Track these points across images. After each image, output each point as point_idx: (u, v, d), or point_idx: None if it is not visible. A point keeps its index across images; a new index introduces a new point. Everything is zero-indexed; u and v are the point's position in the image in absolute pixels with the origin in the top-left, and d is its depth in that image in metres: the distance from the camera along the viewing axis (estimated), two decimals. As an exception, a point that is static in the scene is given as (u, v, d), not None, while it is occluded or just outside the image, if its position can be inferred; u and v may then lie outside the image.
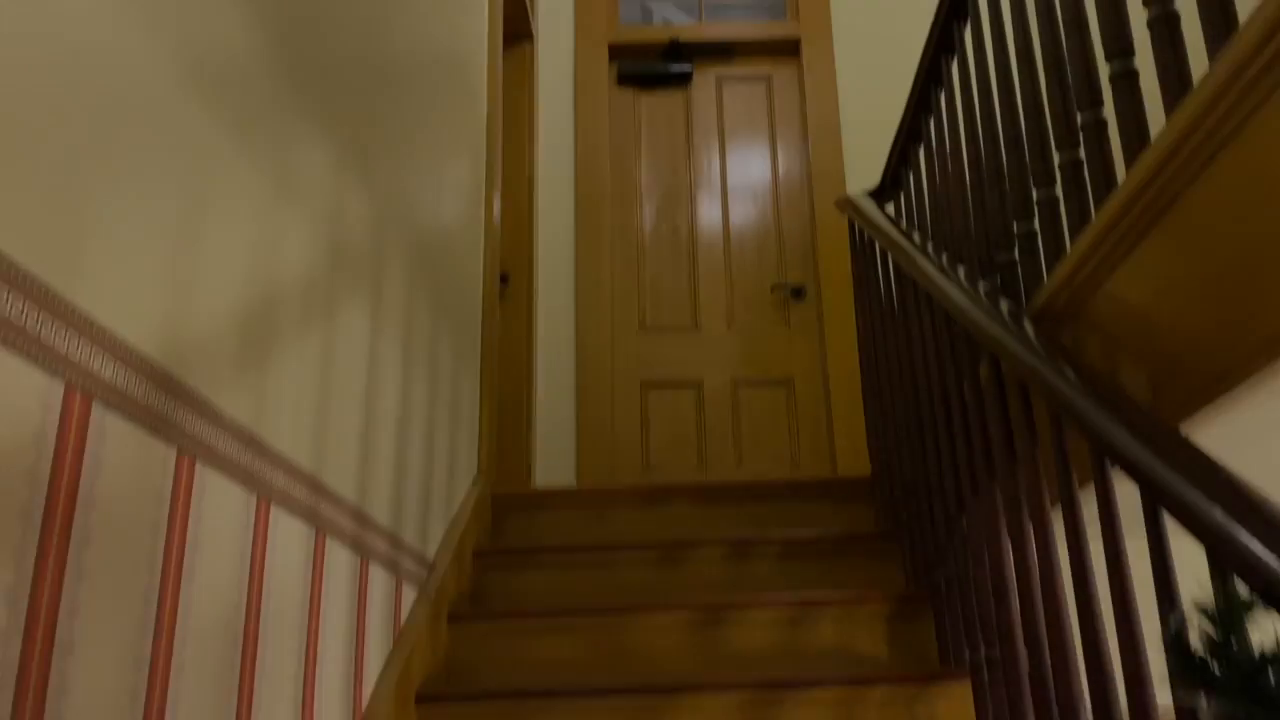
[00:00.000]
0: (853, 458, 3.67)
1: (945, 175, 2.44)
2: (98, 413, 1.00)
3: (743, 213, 4.09)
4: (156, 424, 1.11)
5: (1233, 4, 1.24)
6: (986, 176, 2.07)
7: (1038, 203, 1.79)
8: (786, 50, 4.27)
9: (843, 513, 2.77)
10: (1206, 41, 1.23)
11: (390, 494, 1.97)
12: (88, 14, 1.00)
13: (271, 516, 1.43)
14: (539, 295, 3.91)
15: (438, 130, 2.48)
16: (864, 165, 4.06)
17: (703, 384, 3.87)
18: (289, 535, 1.49)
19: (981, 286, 1.97)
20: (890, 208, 3.07)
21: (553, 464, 3.70)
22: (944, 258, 2.19)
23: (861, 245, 2.92)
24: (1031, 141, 1.84)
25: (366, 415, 1.84)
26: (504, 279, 3.69)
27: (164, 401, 1.12)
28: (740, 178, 4.13)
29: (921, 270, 2.12)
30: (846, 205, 2.93)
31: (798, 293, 3.95)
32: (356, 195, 1.81)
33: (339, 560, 1.69)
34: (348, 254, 1.76)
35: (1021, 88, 1.87)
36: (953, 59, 2.42)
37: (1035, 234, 1.89)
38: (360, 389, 1.82)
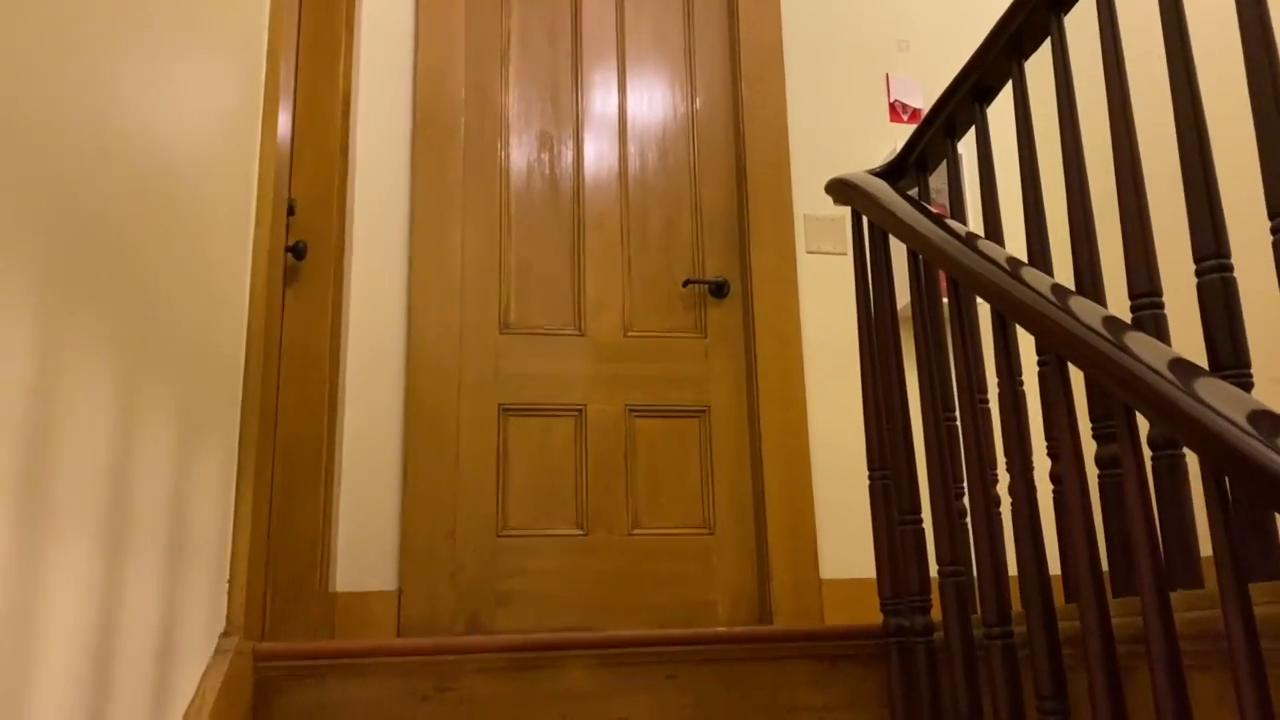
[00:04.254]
0: (788, 523, 2.67)
1: (1075, 159, 1.41)
2: None
3: (649, 169, 2.96)
4: None
5: None
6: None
7: None
8: (712, -50, 3.13)
9: (836, 685, 1.75)
10: None
11: None
12: None
13: None
14: (352, 275, 2.69)
15: None
16: (817, 113, 3.00)
17: (585, 411, 2.77)
18: None
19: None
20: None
21: (364, 521, 2.53)
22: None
23: (871, 250, 1.87)
24: None
25: None
26: (298, 251, 2.46)
27: None
28: (646, 119, 3.00)
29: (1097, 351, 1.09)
30: (848, 192, 1.87)
31: (719, 289, 2.89)
32: None
33: None
34: None
35: None
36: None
37: None
38: None
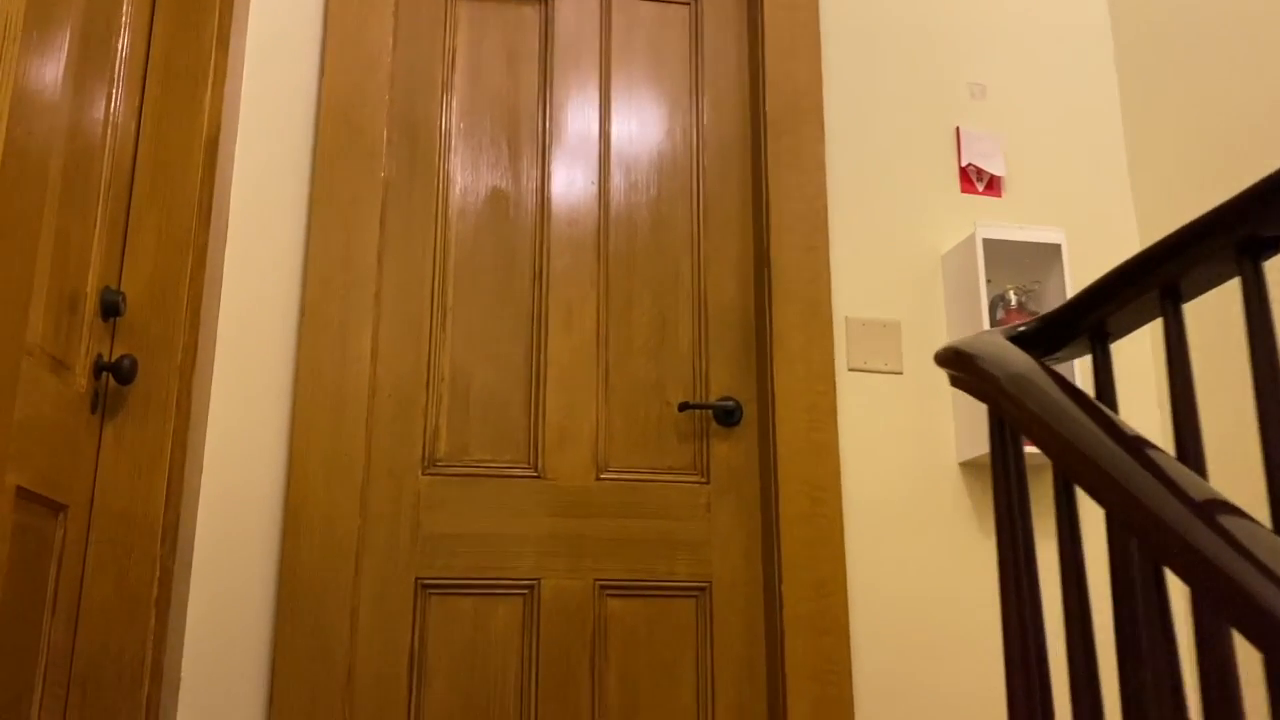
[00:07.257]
0: (819, 760, 1.91)
1: None
2: None
3: (638, 246, 2.19)
4: None
5: None
6: None
7: None
8: (730, -46, 2.37)
9: None
10: None
11: None
12: None
13: None
14: (209, 398, 1.89)
15: None
16: (866, 179, 2.24)
17: (539, 587, 1.99)
18: None
19: None
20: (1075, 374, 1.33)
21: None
22: None
23: (1013, 464, 1.12)
24: None
25: None
26: (121, 372, 1.67)
27: None
28: (635, 176, 2.23)
29: None
30: (971, 375, 1.11)
31: (727, 415, 2.12)
32: None
33: None
34: None
35: None
36: None
37: None
38: None
